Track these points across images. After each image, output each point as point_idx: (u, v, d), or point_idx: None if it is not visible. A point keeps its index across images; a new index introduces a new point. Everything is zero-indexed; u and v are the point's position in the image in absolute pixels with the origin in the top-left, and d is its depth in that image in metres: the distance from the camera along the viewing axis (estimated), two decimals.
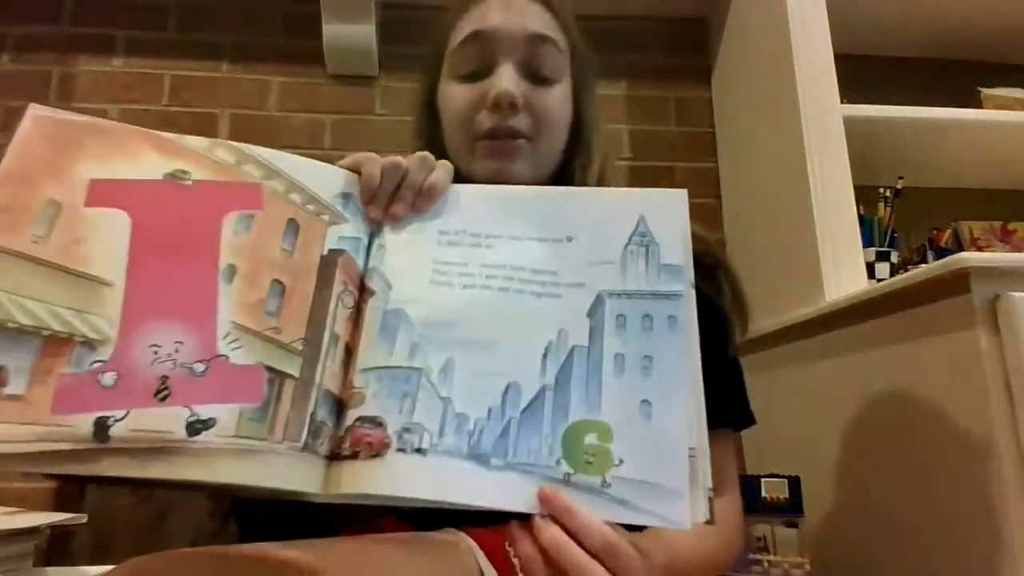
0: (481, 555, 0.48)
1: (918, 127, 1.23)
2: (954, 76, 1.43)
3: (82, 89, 1.38)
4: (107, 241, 0.37)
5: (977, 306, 0.72)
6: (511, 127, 0.60)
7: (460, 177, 0.51)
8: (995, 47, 1.50)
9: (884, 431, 0.89)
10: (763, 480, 0.96)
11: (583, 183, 0.63)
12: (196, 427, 0.34)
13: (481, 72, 0.63)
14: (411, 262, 0.44)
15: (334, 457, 0.38)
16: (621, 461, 0.37)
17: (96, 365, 0.34)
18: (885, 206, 1.22)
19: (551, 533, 0.35)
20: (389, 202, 0.47)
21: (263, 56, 1.43)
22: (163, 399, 0.34)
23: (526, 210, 0.46)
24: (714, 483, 0.59)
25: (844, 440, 0.97)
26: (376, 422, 0.39)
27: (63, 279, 0.36)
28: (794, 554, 0.91)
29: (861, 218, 1.14)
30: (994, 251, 1.39)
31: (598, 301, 0.42)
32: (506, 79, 0.60)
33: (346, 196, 0.45)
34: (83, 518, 0.91)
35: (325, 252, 0.43)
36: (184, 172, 0.41)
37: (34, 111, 0.40)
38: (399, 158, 0.48)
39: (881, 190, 1.24)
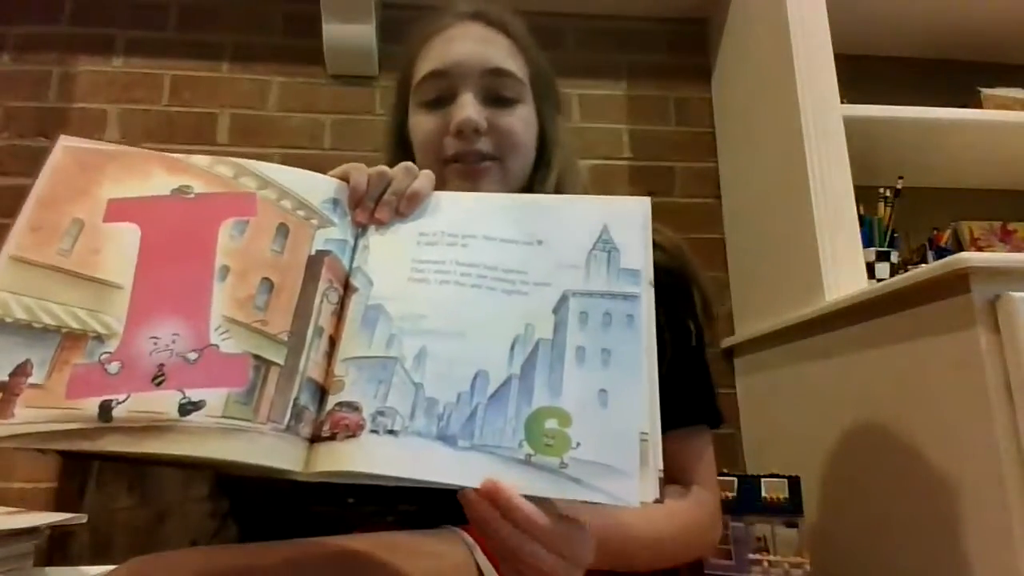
0: (480, 553, 0.48)
1: (918, 127, 1.23)
2: (954, 76, 1.43)
3: (82, 89, 1.38)
4: (119, 250, 0.43)
5: (977, 306, 0.72)
6: (477, 151, 0.65)
7: None
8: (995, 47, 1.50)
9: (884, 431, 0.89)
10: (763, 480, 0.96)
11: (540, 191, 0.67)
12: (187, 408, 0.38)
13: (445, 99, 0.67)
14: (392, 261, 0.48)
15: (315, 439, 0.41)
16: (578, 444, 0.40)
17: (104, 356, 0.39)
18: (885, 206, 1.23)
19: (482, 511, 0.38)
20: (375, 207, 0.50)
21: (263, 56, 1.44)
22: (159, 384, 0.39)
23: (500, 215, 0.50)
24: (694, 473, 0.61)
25: (844, 440, 0.97)
26: (353, 407, 0.42)
27: (81, 284, 0.42)
28: (794, 554, 0.91)
29: (861, 218, 1.14)
30: (994, 251, 1.39)
31: (563, 299, 0.45)
32: (467, 107, 0.65)
33: (335, 202, 0.50)
34: (83, 518, 0.91)
35: (313, 252, 0.47)
36: (188, 187, 0.47)
37: (64, 143, 0.46)
38: (385, 167, 0.52)
39: (881, 190, 1.24)
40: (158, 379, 0.39)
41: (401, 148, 0.73)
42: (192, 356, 0.40)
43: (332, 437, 0.41)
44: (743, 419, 1.34)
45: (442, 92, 0.67)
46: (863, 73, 1.31)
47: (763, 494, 0.95)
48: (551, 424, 0.41)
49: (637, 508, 0.38)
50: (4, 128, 1.34)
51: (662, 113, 1.52)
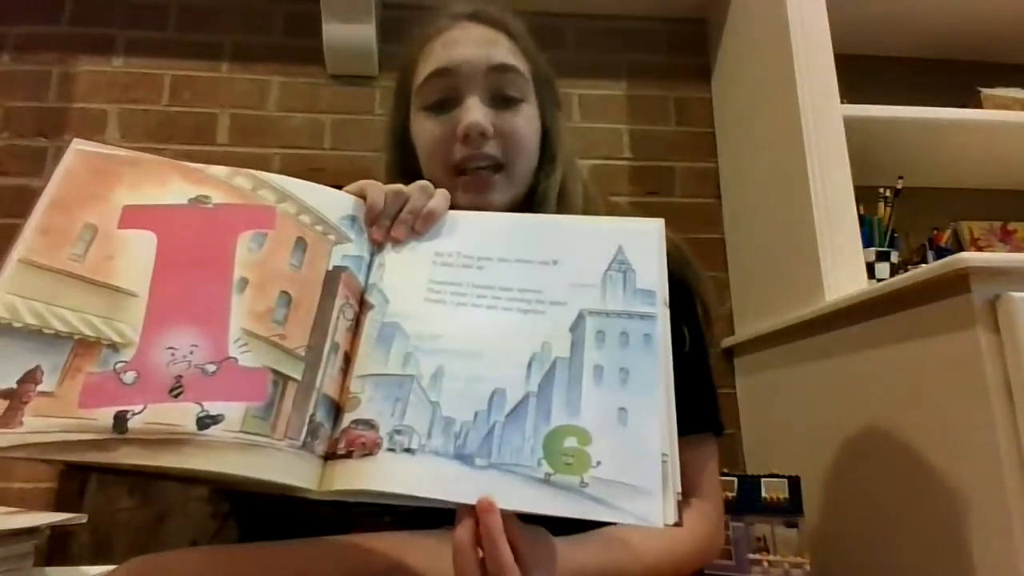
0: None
1: (918, 127, 1.23)
2: (954, 76, 1.43)
3: (82, 89, 1.38)
4: (135, 258, 0.42)
5: (977, 306, 0.72)
6: (485, 154, 0.65)
7: None
8: (995, 47, 1.50)
9: (884, 431, 0.89)
10: (763, 480, 0.96)
11: (546, 194, 0.67)
12: (205, 422, 0.37)
13: (449, 102, 0.66)
14: (408, 280, 0.48)
15: (329, 456, 0.41)
16: (598, 463, 0.39)
17: (119, 365, 0.38)
18: (885, 206, 1.22)
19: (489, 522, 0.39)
20: (391, 225, 0.51)
21: (263, 56, 1.43)
22: (177, 396, 0.38)
23: (516, 236, 0.51)
24: (697, 483, 0.61)
25: (844, 440, 0.97)
26: (370, 424, 0.41)
27: (94, 291, 0.40)
28: (794, 554, 0.91)
29: (861, 218, 1.14)
30: (994, 251, 1.39)
31: (579, 318, 0.45)
32: (474, 111, 0.64)
33: (352, 218, 0.50)
34: (83, 518, 0.91)
35: (330, 268, 0.47)
36: (206, 197, 0.46)
37: (78, 146, 0.45)
38: (401, 186, 0.52)
39: (881, 190, 1.24)
40: (176, 391, 0.38)
41: (402, 149, 0.72)
42: (211, 368, 0.39)
43: (348, 455, 0.40)
44: (743, 419, 1.34)
45: (445, 94, 0.66)
46: (863, 73, 1.31)
47: (763, 494, 0.95)
48: (570, 442, 0.40)
49: (639, 542, 0.37)
50: (4, 128, 1.34)
51: (662, 113, 1.52)
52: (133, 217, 0.44)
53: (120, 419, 0.36)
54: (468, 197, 0.64)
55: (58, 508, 1.14)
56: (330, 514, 0.47)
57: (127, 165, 0.46)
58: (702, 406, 0.63)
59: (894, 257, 1.19)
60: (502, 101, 0.66)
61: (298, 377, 0.41)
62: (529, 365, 0.44)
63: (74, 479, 1.15)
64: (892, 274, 1.14)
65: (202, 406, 0.38)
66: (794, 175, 1.13)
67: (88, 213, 0.43)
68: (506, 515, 0.40)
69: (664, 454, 0.40)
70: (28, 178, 1.31)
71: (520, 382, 0.43)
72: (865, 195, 1.17)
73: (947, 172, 1.39)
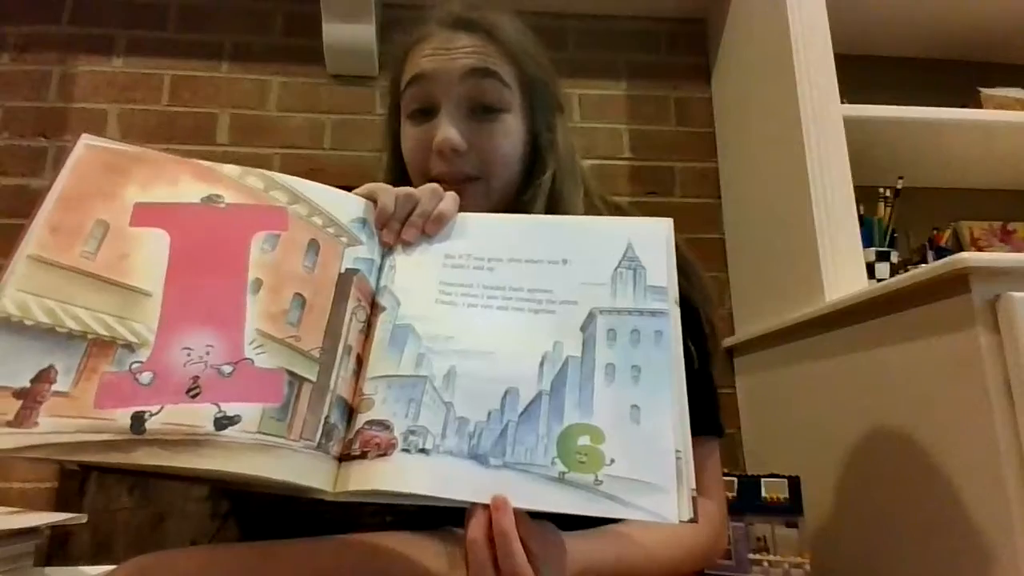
0: None
1: (918, 127, 1.23)
2: (954, 76, 1.44)
3: (82, 89, 1.38)
4: (148, 256, 0.42)
5: (977, 306, 0.72)
6: (460, 171, 0.64)
7: None
8: (995, 47, 1.50)
9: (884, 431, 0.89)
10: (763, 480, 0.96)
11: (532, 200, 0.66)
12: (223, 422, 0.37)
13: (427, 111, 0.66)
14: (419, 282, 0.49)
15: (344, 458, 0.41)
16: (612, 461, 0.40)
17: (135, 365, 0.38)
18: (885, 206, 1.22)
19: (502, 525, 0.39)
20: (401, 228, 0.51)
21: (263, 56, 1.44)
22: (194, 396, 0.38)
23: (526, 236, 0.51)
24: (701, 484, 0.61)
25: (844, 440, 0.97)
26: (384, 425, 0.41)
27: (108, 289, 0.40)
28: (794, 554, 0.91)
29: (861, 218, 1.14)
30: (994, 251, 1.39)
31: (590, 317, 0.46)
32: (447, 127, 0.64)
33: (362, 221, 0.50)
34: (83, 518, 0.91)
35: (342, 270, 0.47)
36: (219, 196, 0.46)
37: (86, 141, 0.45)
38: (412, 189, 0.52)
39: (881, 190, 1.24)
40: (193, 391, 0.38)
41: (399, 151, 0.72)
42: (227, 369, 0.39)
43: (363, 456, 0.40)
44: (743, 419, 1.34)
45: (423, 104, 0.66)
46: (863, 73, 1.31)
47: (763, 494, 0.95)
48: (584, 441, 0.40)
49: (646, 539, 0.37)
50: (4, 128, 1.34)
51: (662, 113, 1.52)
52: (145, 215, 0.43)
53: (138, 420, 0.36)
54: None
55: (58, 508, 1.14)
56: (332, 514, 0.47)
57: (137, 161, 0.45)
58: (704, 410, 0.63)
59: (894, 257, 1.19)
60: (481, 111, 0.66)
61: (313, 379, 0.41)
62: (541, 364, 0.44)
63: (74, 479, 1.15)
64: (892, 274, 1.14)
65: (219, 407, 0.38)
66: (794, 175, 1.14)
67: (99, 209, 0.42)
68: (516, 511, 0.41)
69: (678, 451, 0.40)
70: (28, 178, 1.31)
71: (533, 381, 0.43)
72: (865, 195, 1.17)
73: (947, 172, 1.39)
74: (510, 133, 0.67)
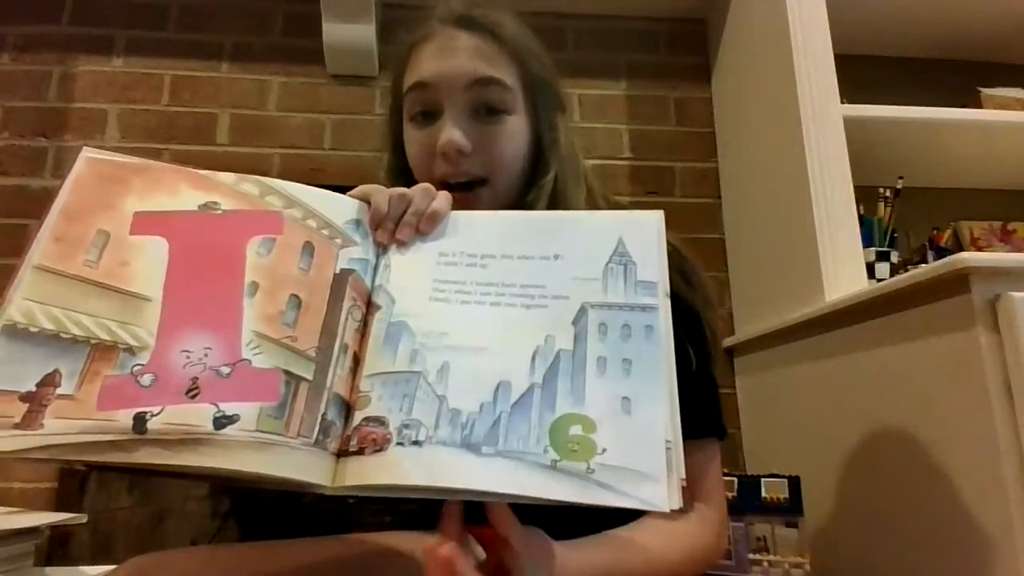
0: (481, 551, 0.48)
1: (918, 127, 1.23)
2: (954, 76, 1.44)
3: (82, 89, 1.38)
4: (148, 263, 0.43)
5: (977, 306, 0.72)
6: (464, 172, 0.65)
7: None
8: (995, 47, 1.50)
9: (884, 431, 0.89)
10: (763, 480, 0.96)
11: (535, 201, 0.66)
12: (222, 422, 0.38)
13: (431, 113, 0.66)
14: (413, 280, 0.49)
15: (342, 454, 0.42)
16: (604, 450, 0.40)
17: (136, 368, 0.40)
18: (885, 206, 1.23)
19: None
20: (395, 228, 0.51)
21: (263, 56, 1.44)
22: (193, 397, 0.39)
23: (518, 233, 0.51)
24: (700, 487, 0.61)
25: (844, 440, 0.97)
26: (380, 421, 0.42)
27: (109, 296, 0.42)
28: (794, 554, 0.91)
29: (861, 218, 1.14)
30: (994, 251, 1.39)
31: (582, 311, 0.46)
32: (452, 129, 0.64)
33: (357, 222, 0.51)
34: (83, 518, 0.91)
35: (337, 271, 0.48)
36: (215, 203, 0.47)
37: (88, 154, 0.47)
38: (405, 189, 0.53)
39: (881, 190, 1.24)
40: (192, 392, 0.39)
41: (400, 151, 0.72)
42: (225, 370, 0.40)
43: (360, 451, 0.41)
44: (743, 419, 1.34)
45: (427, 107, 0.66)
46: (863, 73, 1.31)
47: (763, 494, 0.95)
48: (575, 430, 0.41)
49: (646, 545, 0.37)
50: (4, 128, 1.34)
51: (662, 113, 1.52)
52: (144, 223, 0.45)
53: (139, 420, 0.37)
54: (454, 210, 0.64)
55: (58, 508, 1.14)
56: (331, 514, 0.47)
57: (136, 172, 0.47)
58: (706, 411, 0.63)
59: (894, 257, 1.19)
60: (485, 112, 0.65)
61: (309, 377, 0.42)
62: (533, 358, 0.44)
63: (74, 479, 1.15)
64: (892, 274, 1.14)
65: (218, 407, 0.39)
66: (794, 175, 1.14)
67: (100, 220, 0.44)
68: (502, 513, 0.41)
69: (668, 441, 0.41)
70: (28, 178, 1.31)
71: (525, 374, 0.44)
72: (865, 195, 1.17)
73: (947, 172, 1.40)
74: (514, 134, 0.67)
